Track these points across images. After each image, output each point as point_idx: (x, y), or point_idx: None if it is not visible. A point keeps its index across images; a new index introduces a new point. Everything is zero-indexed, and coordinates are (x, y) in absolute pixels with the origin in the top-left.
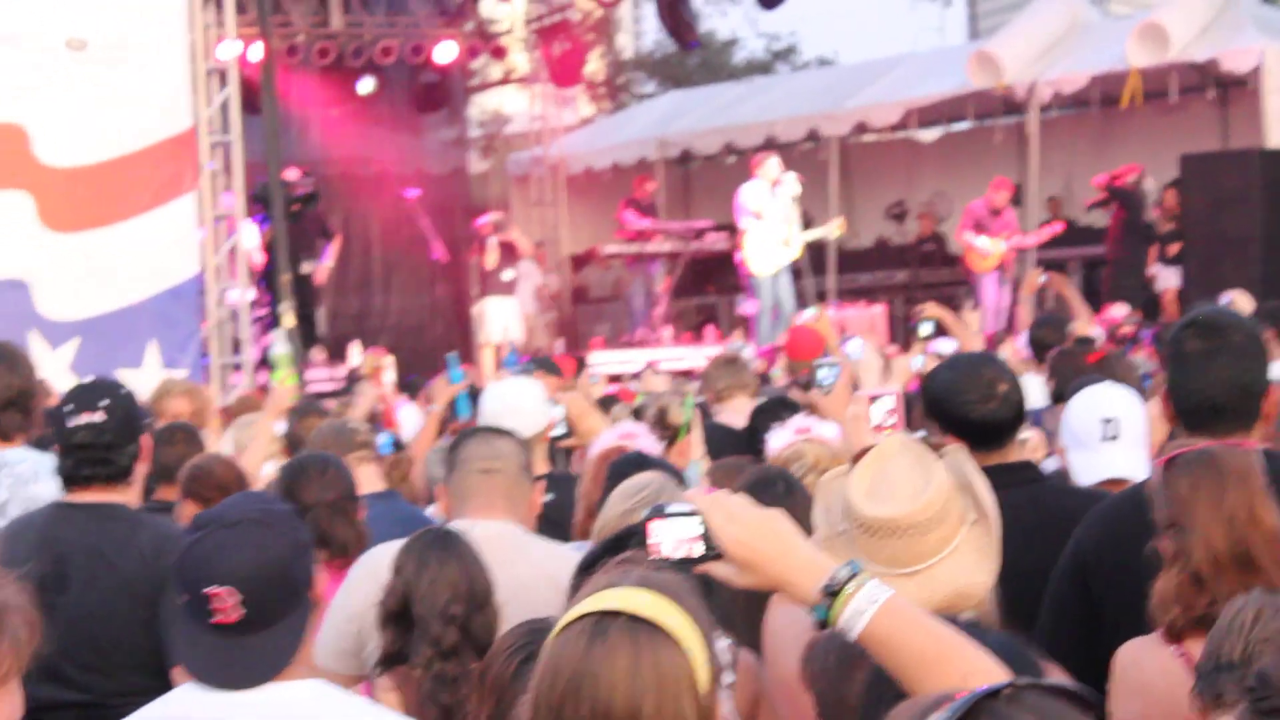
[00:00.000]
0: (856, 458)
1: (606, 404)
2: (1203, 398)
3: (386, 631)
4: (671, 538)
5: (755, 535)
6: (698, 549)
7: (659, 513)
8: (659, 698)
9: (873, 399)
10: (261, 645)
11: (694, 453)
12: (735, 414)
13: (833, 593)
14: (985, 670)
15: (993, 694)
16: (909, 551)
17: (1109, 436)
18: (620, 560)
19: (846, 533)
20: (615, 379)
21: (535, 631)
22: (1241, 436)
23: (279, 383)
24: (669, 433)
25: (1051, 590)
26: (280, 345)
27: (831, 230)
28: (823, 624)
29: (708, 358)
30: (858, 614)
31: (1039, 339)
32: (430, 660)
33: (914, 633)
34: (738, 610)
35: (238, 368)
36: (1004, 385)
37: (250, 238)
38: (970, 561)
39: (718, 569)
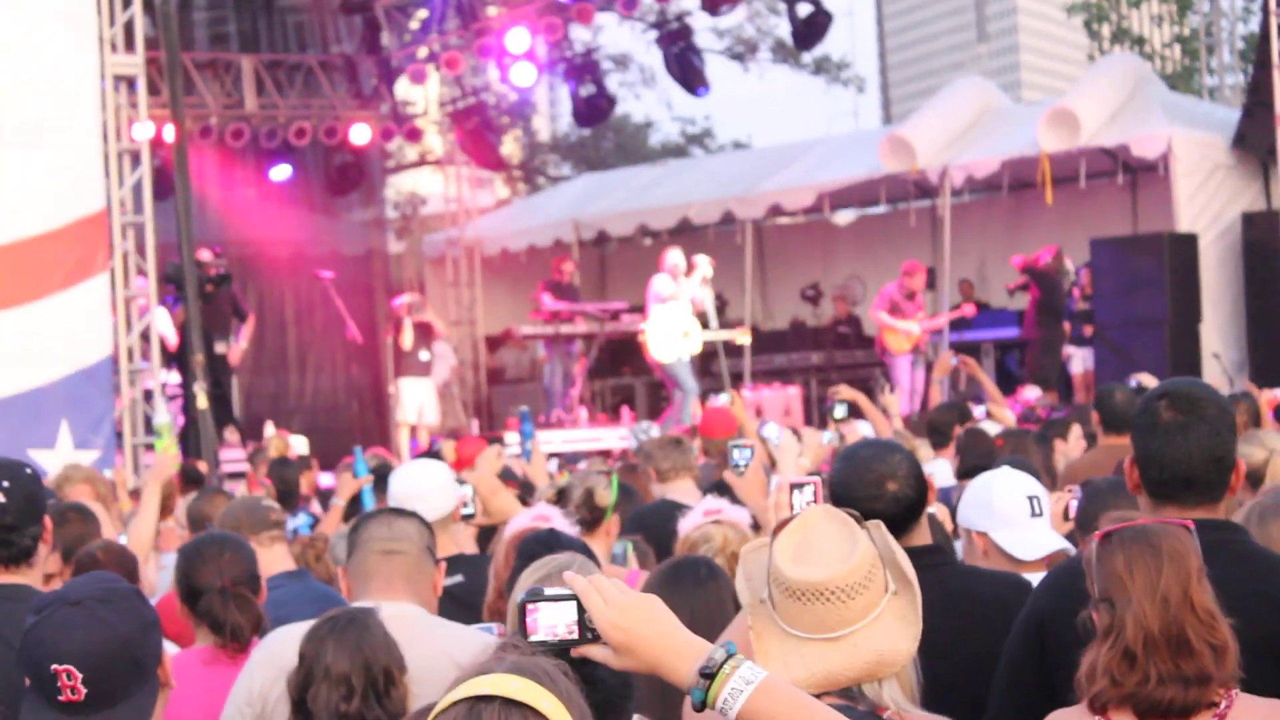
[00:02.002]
0: (778, 528)
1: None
2: (1178, 469)
3: (291, 717)
4: (548, 621)
5: (632, 619)
6: (575, 632)
7: (536, 596)
8: None
9: (794, 486)
10: None
11: (613, 532)
12: (681, 495)
13: (709, 674)
14: None
15: None
16: (834, 616)
17: (1036, 513)
18: (499, 646)
19: (768, 600)
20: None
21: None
22: (1209, 510)
23: (161, 451)
24: (596, 513)
25: (1007, 654)
26: (161, 415)
27: (735, 337)
28: (700, 705)
29: (640, 438)
30: (735, 694)
31: (936, 424)
32: None
33: (791, 712)
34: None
35: (150, 448)
36: (893, 484)
37: (163, 320)
38: (893, 629)
39: (594, 652)
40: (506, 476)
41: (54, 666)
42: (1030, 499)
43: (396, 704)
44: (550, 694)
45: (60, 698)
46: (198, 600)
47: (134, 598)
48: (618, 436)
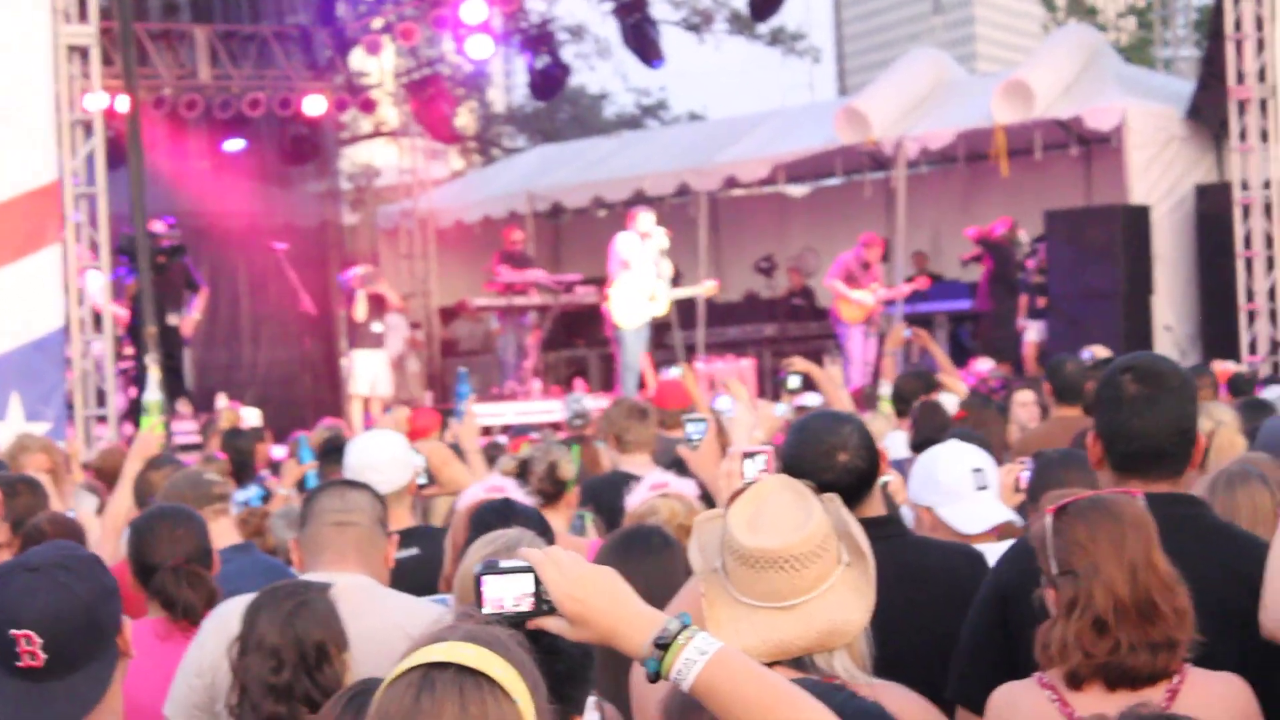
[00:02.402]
0: (733, 497)
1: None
2: (1145, 442)
3: (232, 688)
4: (504, 593)
5: (587, 590)
6: (530, 604)
7: (492, 568)
8: None
9: (746, 455)
10: (65, 691)
11: (574, 504)
12: (635, 468)
13: (663, 645)
14: (818, 718)
15: None
16: (787, 585)
17: (980, 486)
18: (454, 614)
19: (721, 569)
20: (485, 432)
21: (365, 686)
22: (1171, 483)
23: (148, 430)
24: (559, 486)
25: (969, 627)
26: (153, 392)
27: (703, 291)
28: (655, 676)
29: (573, 408)
30: (689, 664)
31: (902, 391)
32: None
33: (745, 683)
34: (605, 665)
35: (102, 419)
36: (844, 455)
37: (95, 284)
38: (846, 599)
39: (550, 624)
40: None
41: (12, 632)
42: (974, 471)
43: (329, 679)
44: (505, 661)
45: (19, 664)
46: (150, 577)
47: (94, 564)
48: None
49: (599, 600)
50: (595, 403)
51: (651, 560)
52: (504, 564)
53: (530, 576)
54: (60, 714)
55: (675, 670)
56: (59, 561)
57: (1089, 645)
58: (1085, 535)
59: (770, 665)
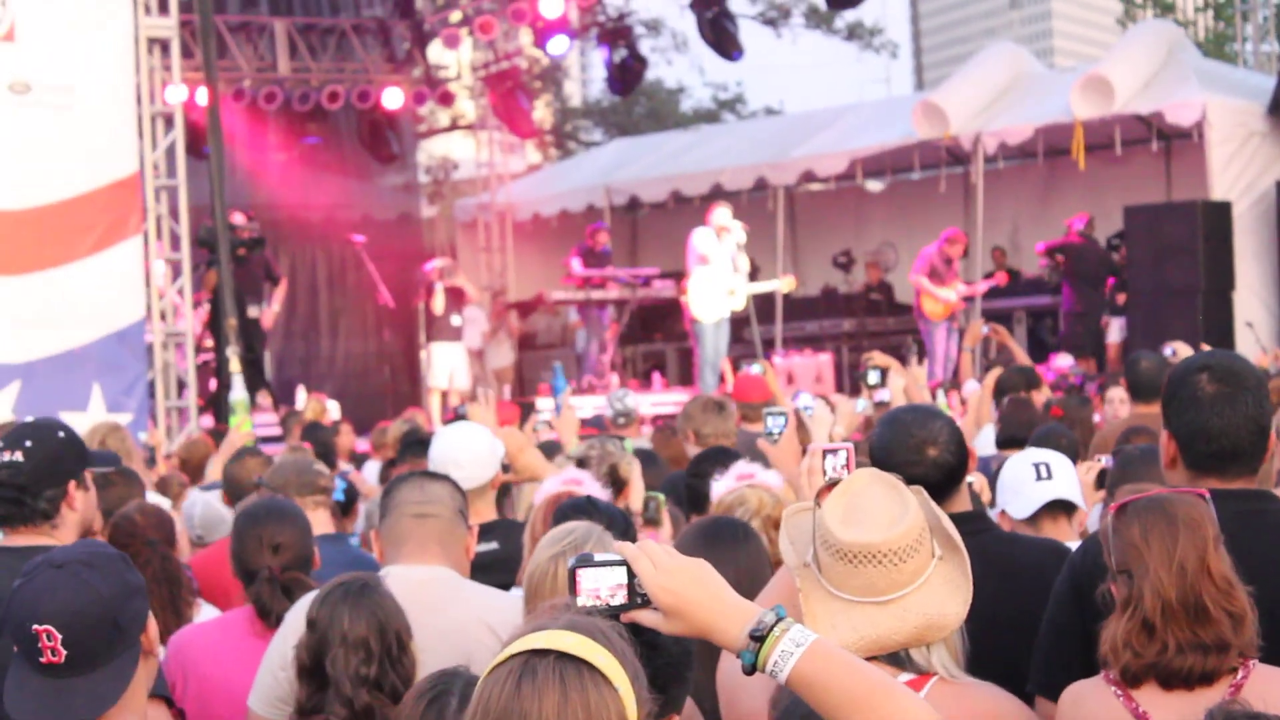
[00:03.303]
0: (823, 491)
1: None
2: (1225, 442)
3: (301, 685)
4: (598, 586)
5: (681, 583)
6: (624, 597)
7: (586, 562)
8: None
9: (826, 453)
10: (85, 687)
11: (635, 497)
12: None
13: (759, 637)
14: (915, 710)
15: None
16: (884, 579)
17: (1042, 478)
18: (551, 606)
19: (813, 563)
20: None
21: (444, 676)
22: (1247, 480)
23: (235, 428)
24: (619, 485)
25: (1049, 618)
26: (239, 391)
27: (781, 286)
28: (750, 669)
29: (615, 406)
30: (785, 656)
31: (1002, 385)
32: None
33: (842, 675)
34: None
35: (182, 411)
36: (933, 450)
37: (157, 272)
38: (941, 594)
39: (644, 616)
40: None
41: (34, 627)
42: (1036, 465)
43: (408, 669)
44: (606, 650)
45: (41, 659)
46: (249, 581)
47: (119, 562)
48: (649, 403)
49: (693, 592)
50: (639, 400)
51: (737, 552)
52: (598, 557)
53: (624, 569)
54: (80, 710)
55: (772, 662)
56: (84, 559)
57: (1138, 646)
58: (1139, 535)
59: (867, 660)
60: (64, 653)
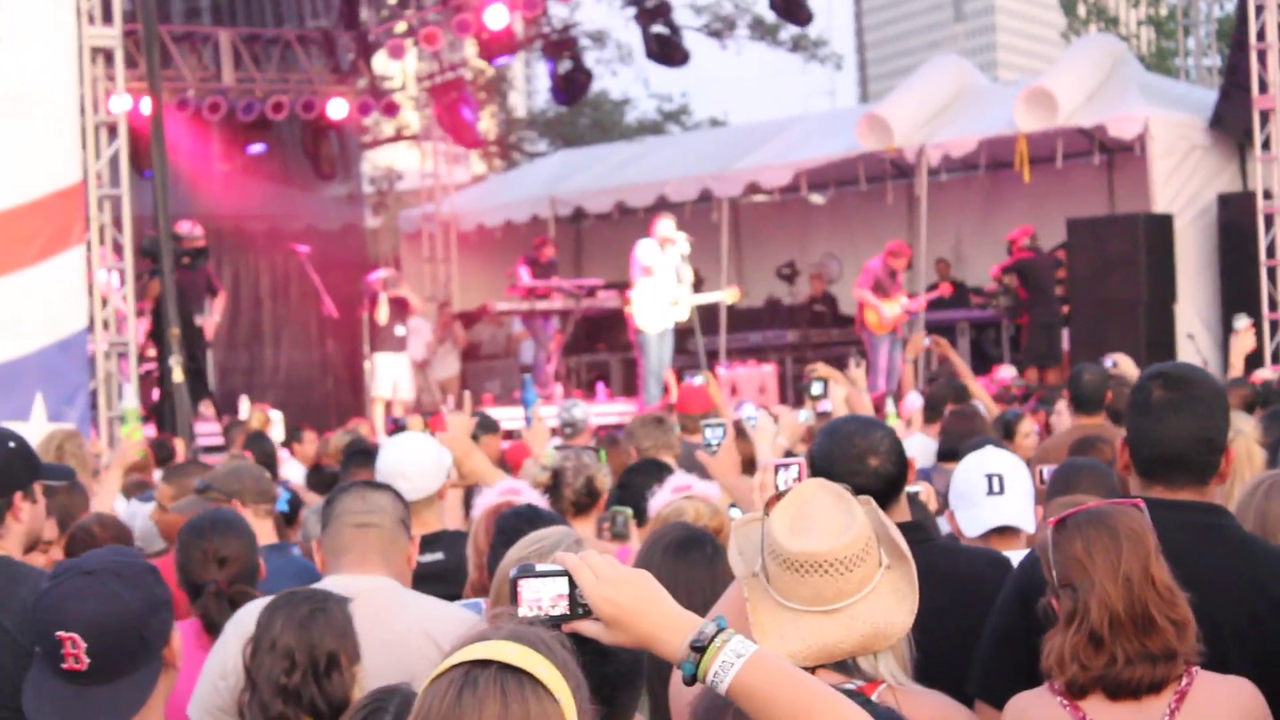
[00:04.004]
0: (771, 502)
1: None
2: (1166, 449)
3: (244, 688)
4: (540, 596)
5: (623, 593)
6: (565, 607)
7: (528, 572)
8: None
9: (778, 467)
10: (105, 697)
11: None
12: None
13: (700, 648)
14: None
15: None
16: (831, 588)
17: (994, 491)
18: (494, 615)
19: (762, 573)
20: (507, 435)
21: (382, 693)
22: (1195, 491)
23: (126, 436)
24: (595, 497)
25: (992, 623)
26: (128, 399)
27: (726, 297)
28: (691, 679)
29: (563, 417)
30: (726, 667)
31: (936, 398)
32: None
33: (783, 685)
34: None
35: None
36: (874, 459)
37: (102, 281)
38: (889, 602)
39: (585, 627)
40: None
41: (59, 633)
42: (989, 477)
43: (336, 689)
44: (547, 661)
45: (64, 665)
46: (196, 594)
47: (148, 575)
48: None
49: (635, 603)
50: (588, 410)
51: (707, 568)
52: (540, 567)
53: (565, 579)
54: (98, 719)
55: (711, 673)
56: (114, 569)
57: (1086, 658)
58: (1081, 549)
59: (814, 669)
60: (87, 661)
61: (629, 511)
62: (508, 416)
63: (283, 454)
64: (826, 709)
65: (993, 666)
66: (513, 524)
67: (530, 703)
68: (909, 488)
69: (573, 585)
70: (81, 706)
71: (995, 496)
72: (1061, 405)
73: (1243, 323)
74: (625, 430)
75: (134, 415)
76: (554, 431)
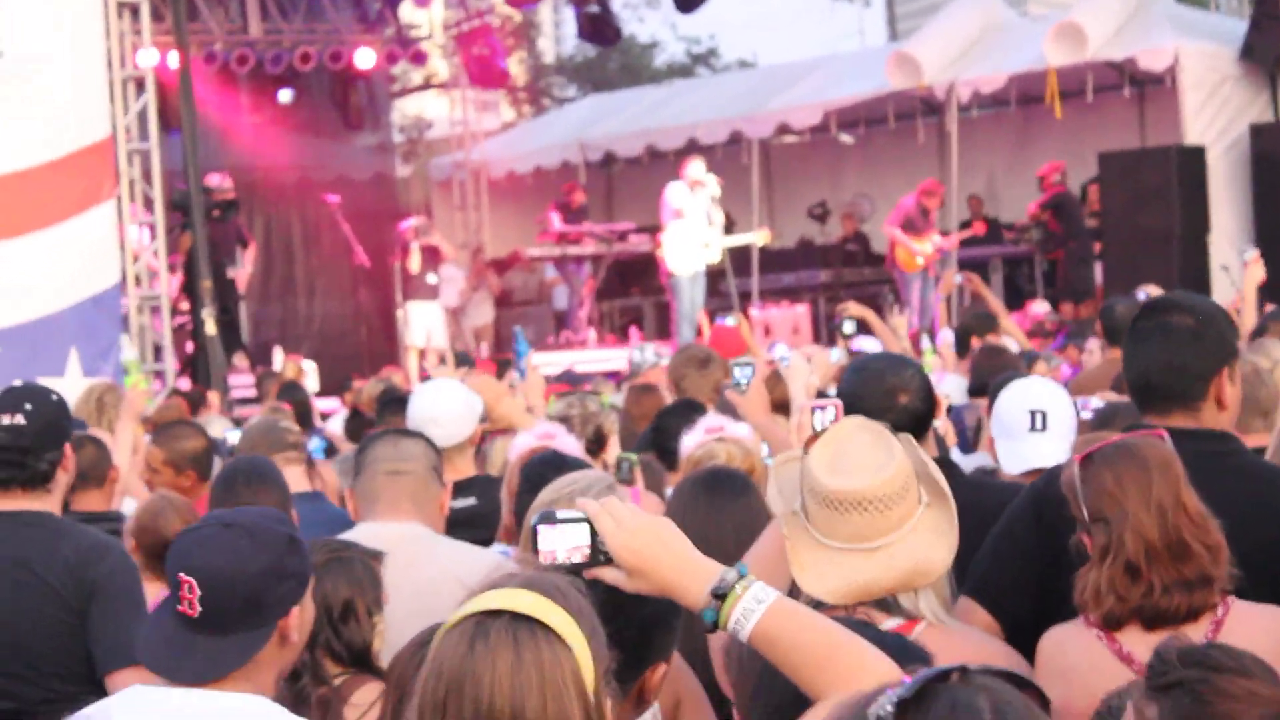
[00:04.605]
0: (809, 441)
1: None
2: (1137, 374)
3: None
4: (560, 544)
5: (643, 541)
6: (586, 555)
7: (548, 519)
8: (542, 695)
9: (815, 409)
10: (207, 648)
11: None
12: None
13: (720, 595)
14: (877, 665)
15: (943, 676)
16: (871, 526)
17: (1036, 428)
18: (519, 562)
19: (801, 512)
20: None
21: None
22: (1187, 417)
23: (131, 387)
24: (601, 442)
25: (1004, 531)
26: (128, 351)
27: (757, 239)
28: (712, 627)
29: (635, 359)
30: (748, 614)
31: (965, 330)
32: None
33: (803, 631)
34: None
35: (159, 375)
36: (905, 396)
37: (133, 237)
38: (929, 540)
39: (606, 574)
40: None
41: (180, 574)
42: (1033, 413)
43: (354, 636)
44: (560, 608)
45: (179, 607)
46: None
47: (285, 543)
48: (624, 358)
49: (656, 551)
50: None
51: (740, 503)
52: (560, 514)
53: (586, 527)
54: (193, 666)
55: (732, 620)
56: (250, 528)
57: (1123, 590)
58: (1112, 482)
59: (854, 606)
60: (199, 608)
61: (634, 458)
62: (541, 363)
63: (333, 403)
64: (848, 653)
65: (997, 574)
66: (538, 470)
67: (543, 651)
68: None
69: (593, 533)
70: (185, 651)
71: (1037, 433)
72: (1093, 343)
73: (1252, 253)
74: (669, 367)
75: (136, 366)
76: (615, 374)
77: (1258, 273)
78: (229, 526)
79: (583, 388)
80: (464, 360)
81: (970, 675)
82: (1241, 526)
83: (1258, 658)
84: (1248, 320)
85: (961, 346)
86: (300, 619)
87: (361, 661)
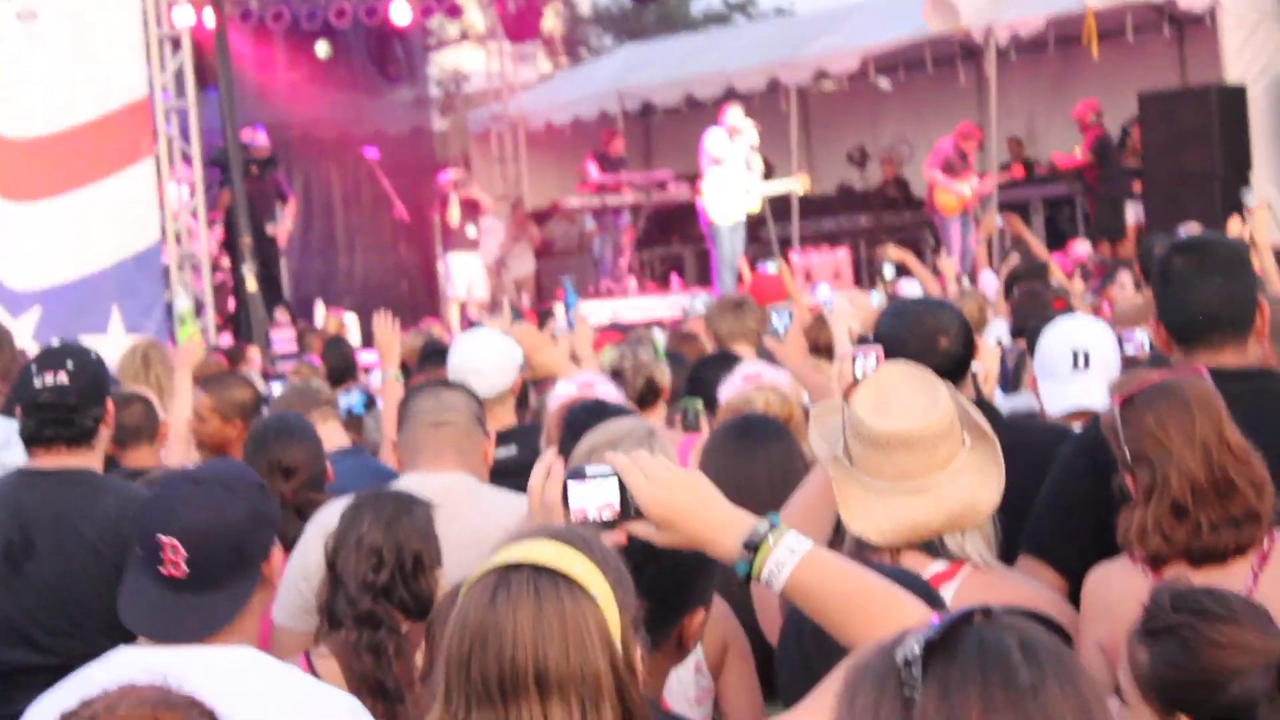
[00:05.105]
0: (851, 386)
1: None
2: (1196, 310)
3: (324, 583)
4: (591, 499)
5: (674, 494)
6: (616, 511)
7: (578, 474)
8: (564, 646)
9: (856, 355)
10: (200, 604)
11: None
12: None
13: (753, 546)
14: (912, 613)
15: (967, 617)
16: (919, 465)
17: (1079, 367)
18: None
19: (844, 456)
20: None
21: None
22: (1237, 349)
23: (188, 338)
24: (655, 393)
25: (1058, 483)
26: (182, 301)
27: (796, 186)
28: (746, 578)
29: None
30: (780, 565)
31: (1013, 277)
32: (350, 625)
33: (837, 581)
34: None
35: (202, 331)
36: (944, 339)
37: (172, 195)
38: (975, 480)
39: (637, 529)
40: None
41: (160, 537)
42: (1075, 352)
43: (424, 591)
44: (585, 558)
45: (161, 569)
46: None
47: (256, 490)
48: (667, 305)
49: (687, 504)
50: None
51: (772, 448)
52: (589, 470)
53: (615, 481)
54: (190, 626)
55: (767, 571)
56: (222, 481)
57: (1169, 529)
58: (1154, 423)
59: (899, 551)
60: (185, 569)
61: (699, 403)
62: (589, 312)
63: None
64: (885, 601)
65: (1059, 526)
66: (581, 419)
67: (565, 602)
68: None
69: (623, 488)
70: (176, 612)
71: (1080, 372)
72: (1124, 277)
73: (1254, 199)
74: (706, 317)
75: (190, 317)
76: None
77: (1263, 218)
78: (200, 483)
79: (627, 337)
80: (514, 313)
81: (995, 616)
82: None
83: (1252, 604)
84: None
85: (1010, 291)
86: (278, 559)
87: (426, 612)
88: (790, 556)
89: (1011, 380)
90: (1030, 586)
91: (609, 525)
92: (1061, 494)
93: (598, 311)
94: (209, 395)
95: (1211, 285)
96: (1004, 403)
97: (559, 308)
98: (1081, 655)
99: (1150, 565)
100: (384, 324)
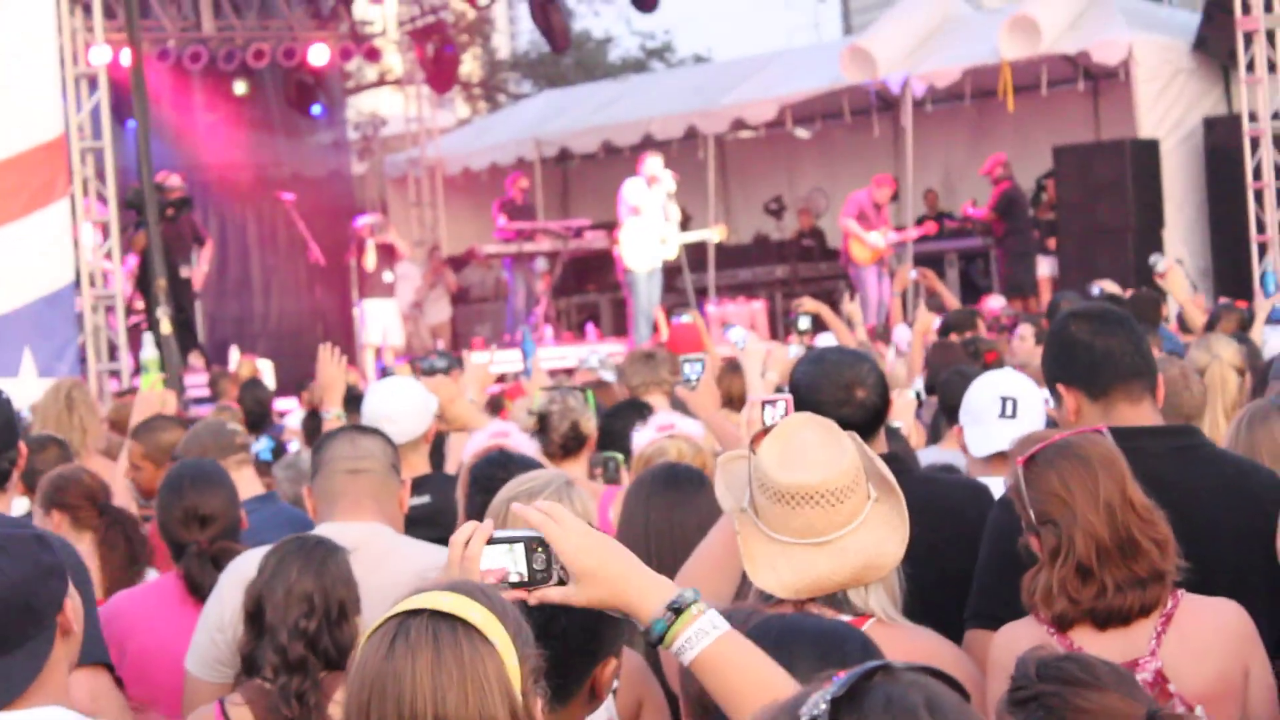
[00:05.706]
0: (757, 438)
1: (494, 404)
2: (1114, 362)
3: (244, 631)
4: (497, 564)
5: (598, 554)
6: (525, 574)
7: (492, 538)
8: (464, 692)
9: (765, 404)
10: None
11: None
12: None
13: (677, 609)
14: None
15: (870, 674)
16: (823, 520)
17: (1006, 415)
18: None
19: (749, 508)
20: (500, 379)
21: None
22: (1154, 401)
23: (150, 387)
24: (581, 440)
25: (991, 549)
26: (149, 349)
27: (713, 235)
28: (658, 639)
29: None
30: (700, 634)
31: (946, 328)
32: (275, 671)
33: (748, 667)
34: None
35: (115, 374)
36: (861, 391)
37: (88, 237)
38: (880, 534)
39: (552, 594)
40: None
41: None
42: (1004, 400)
43: (345, 639)
44: (483, 607)
45: None
46: (178, 554)
47: (31, 543)
48: (579, 356)
49: (607, 558)
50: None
51: (700, 498)
52: (498, 534)
53: (522, 547)
54: None
55: (683, 638)
56: None
57: (1074, 591)
58: (1058, 483)
59: (805, 602)
60: None
61: (620, 457)
62: (502, 360)
63: (290, 402)
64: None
65: (994, 593)
66: (485, 471)
67: (464, 648)
68: (890, 422)
69: (529, 553)
70: None
71: (1007, 420)
72: (1025, 330)
73: (1163, 263)
74: (619, 368)
75: (155, 365)
76: (569, 372)
77: (1178, 278)
78: None
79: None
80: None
81: (897, 672)
82: (1229, 511)
83: (1118, 669)
84: (1195, 321)
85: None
86: (73, 608)
87: (344, 660)
88: (712, 630)
89: (930, 433)
90: (933, 643)
91: (523, 587)
92: (1005, 557)
93: (511, 360)
94: (138, 442)
95: (1119, 339)
96: (923, 455)
97: (475, 355)
98: (984, 714)
99: (1056, 627)
100: (328, 358)
